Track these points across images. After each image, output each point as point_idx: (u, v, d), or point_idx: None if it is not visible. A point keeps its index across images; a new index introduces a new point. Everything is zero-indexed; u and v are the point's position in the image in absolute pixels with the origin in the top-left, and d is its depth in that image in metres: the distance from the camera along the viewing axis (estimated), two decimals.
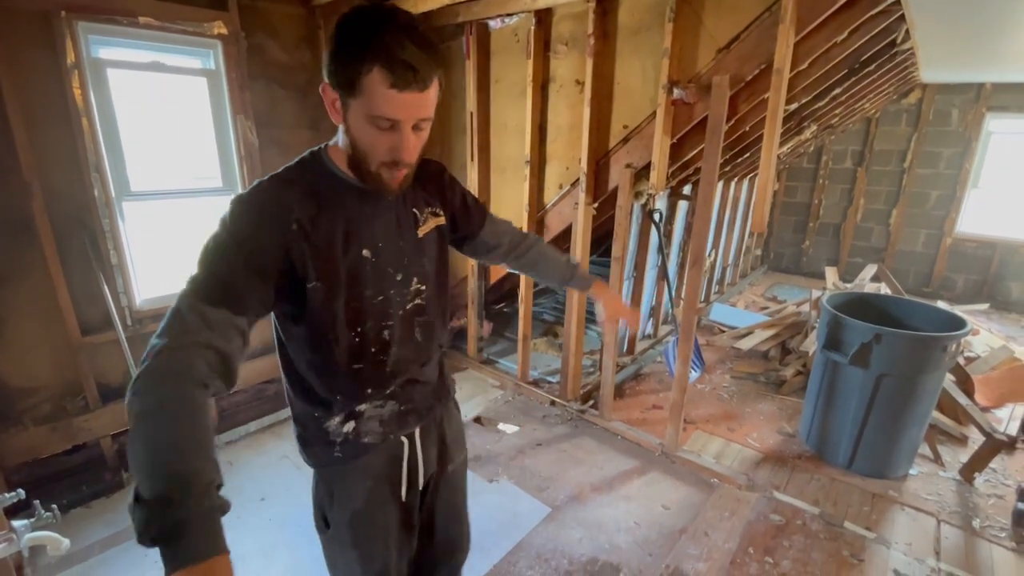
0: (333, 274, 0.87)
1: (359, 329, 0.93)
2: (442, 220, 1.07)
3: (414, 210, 1.01)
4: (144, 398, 0.65)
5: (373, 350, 0.96)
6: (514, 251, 1.27)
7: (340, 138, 0.88)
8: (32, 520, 1.64)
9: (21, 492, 1.72)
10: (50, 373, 2.19)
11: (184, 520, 0.58)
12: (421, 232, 1.01)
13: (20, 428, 2.12)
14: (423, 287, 1.02)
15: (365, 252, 0.91)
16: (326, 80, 0.81)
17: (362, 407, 0.99)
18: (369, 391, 0.99)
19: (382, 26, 0.74)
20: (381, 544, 1.06)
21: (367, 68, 0.74)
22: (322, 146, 0.92)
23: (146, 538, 0.57)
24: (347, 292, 0.90)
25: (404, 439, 1.06)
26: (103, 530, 2.09)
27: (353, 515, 1.02)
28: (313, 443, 1.00)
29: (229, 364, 0.75)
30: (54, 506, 1.73)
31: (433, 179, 1.07)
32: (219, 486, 0.64)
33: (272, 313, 0.91)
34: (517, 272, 1.36)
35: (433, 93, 0.80)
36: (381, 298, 0.95)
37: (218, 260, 0.77)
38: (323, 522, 1.06)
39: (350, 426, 0.99)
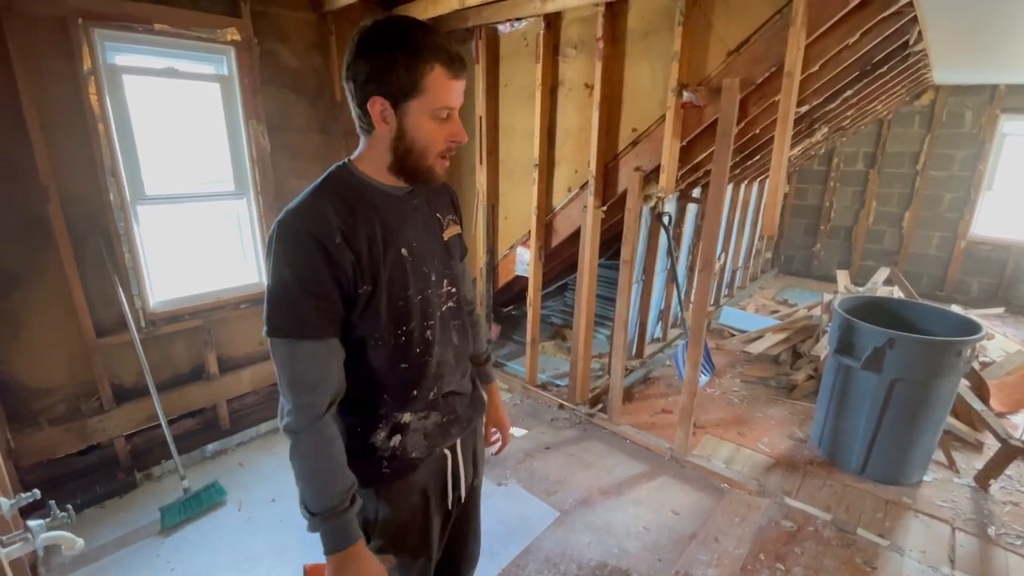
0: (377, 275, 0.90)
1: (404, 328, 0.95)
2: (459, 230, 1.11)
3: (438, 215, 1.05)
4: (297, 438, 0.87)
5: (418, 350, 0.98)
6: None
7: (367, 149, 0.93)
8: (47, 520, 1.66)
9: (36, 492, 1.74)
10: (65, 374, 2.22)
11: (334, 526, 0.87)
12: (446, 235, 1.06)
13: (36, 428, 2.16)
14: (454, 289, 1.05)
15: (403, 251, 0.94)
16: (374, 94, 0.85)
17: (407, 418, 1.00)
18: (415, 393, 0.99)
19: (425, 31, 0.85)
20: (422, 555, 1.07)
21: (429, 67, 0.83)
22: (345, 161, 0.95)
23: (314, 531, 0.88)
24: (392, 291, 0.92)
25: (447, 451, 1.08)
26: (116, 530, 2.12)
27: (398, 528, 1.03)
28: (360, 459, 0.98)
29: (334, 385, 0.89)
30: (69, 506, 1.75)
31: (450, 195, 1.14)
32: (352, 487, 0.90)
33: None
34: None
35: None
36: (421, 297, 0.97)
37: (285, 299, 0.84)
38: (364, 535, 1.06)
39: (396, 440, 0.99)
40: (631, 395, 3.24)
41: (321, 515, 0.86)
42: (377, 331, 0.93)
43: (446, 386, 1.05)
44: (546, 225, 2.94)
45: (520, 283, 3.40)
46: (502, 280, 3.44)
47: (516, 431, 2.83)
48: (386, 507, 1.02)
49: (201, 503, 2.21)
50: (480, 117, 2.97)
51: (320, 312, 0.85)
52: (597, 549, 2.04)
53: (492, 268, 3.41)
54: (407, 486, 1.02)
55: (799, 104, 2.62)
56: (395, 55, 0.82)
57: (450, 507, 1.12)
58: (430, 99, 0.85)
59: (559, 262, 3.72)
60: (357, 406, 0.98)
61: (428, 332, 0.99)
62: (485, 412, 1.22)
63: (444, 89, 0.85)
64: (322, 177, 0.93)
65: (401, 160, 0.91)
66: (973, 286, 5.16)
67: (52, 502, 1.77)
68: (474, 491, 1.23)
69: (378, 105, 0.85)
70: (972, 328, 2.27)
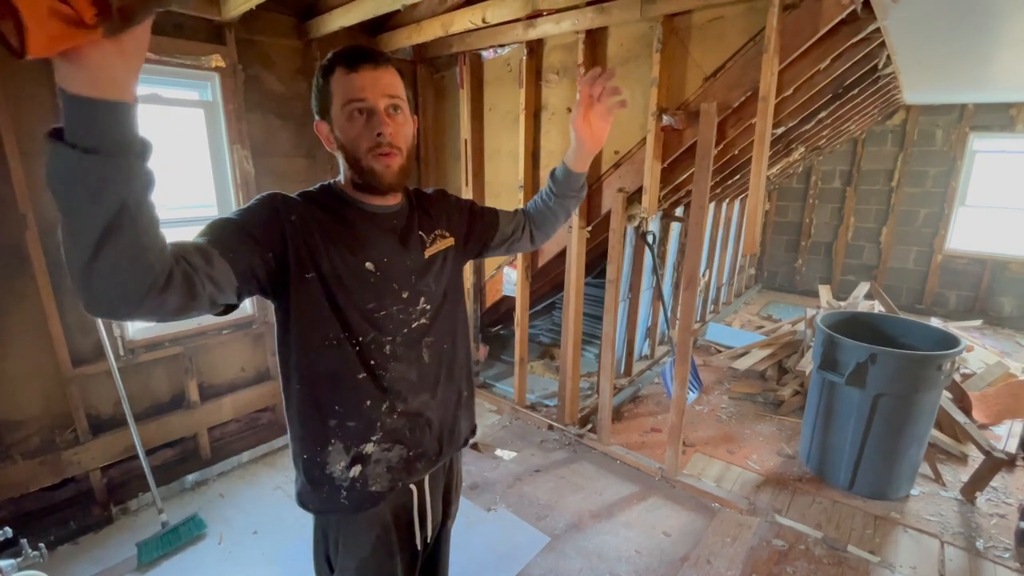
0: (334, 276, 0.90)
1: (360, 339, 0.94)
2: (451, 242, 1.10)
3: (420, 233, 1.04)
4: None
5: (373, 363, 0.96)
6: (532, 224, 1.26)
7: (340, 169, 0.97)
8: (19, 559, 1.59)
9: (8, 530, 1.68)
10: (40, 405, 2.15)
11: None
12: (428, 253, 1.04)
13: (8, 462, 2.08)
14: (429, 307, 1.03)
15: (368, 265, 0.94)
16: (315, 119, 0.94)
17: (368, 448, 0.97)
18: (368, 404, 0.96)
19: (337, 50, 0.90)
20: None
21: (332, 72, 0.89)
22: (332, 180, 0.99)
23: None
24: (348, 299, 0.92)
25: (413, 487, 1.05)
26: (91, 567, 2.03)
27: (360, 562, 1.01)
28: (319, 486, 0.97)
29: (188, 249, 0.73)
30: (41, 545, 1.69)
31: (436, 204, 1.12)
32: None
33: (276, 329, 0.96)
34: (545, 238, 1.30)
35: (390, 75, 0.90)
36: (384, 313, 0.96)
37: (213, 223, 0.83)
38: (327, 566, 1.04)
39: (356, 470, 0.96)
40: (620, 414, 3.23)
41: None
42: (332, 334, 0.92)
43: (400, 403, 0.99)
44: None
45: (508, 303, 3.41)
46: (490, 300, 3.44)
47: (506, 454, 2.80)
48: (346, 540, 1.00)
49: (180, 537, 2.14)
50: (466, 140, 3.00)
51: (238, 238, 0.81)
52: (588, 575, 2.00)
53: (479, 289, 3.41)
54: (366, 520, 1.00)
55: (775, 126, 2.70)
56: (316, 80, 0.92)
57: (418, 546, 1.08)
58: (339, 100, 0.88)
59: (546, 281, 3.73)
60: (306, 413, 0.95)
61: (387, 347, 0.97)
62: (462, 447, 1.17)
63: (346, 85, 0.87)
64: (309, 188, 0.98)
65: (352, 171, 0.93)
66: (951, 299, 5.28)
67: (24, 541, 1.71)
68: (445, 531, 1.20)
69: (322, 128, 0.94)
70: (951, 342, 2.31)
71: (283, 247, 0.86)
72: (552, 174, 1.21)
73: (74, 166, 0.53)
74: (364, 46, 0.91)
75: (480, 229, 1.20)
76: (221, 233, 0.80)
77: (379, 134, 0.88)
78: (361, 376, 0.95)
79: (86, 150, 0.52)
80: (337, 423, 0.95)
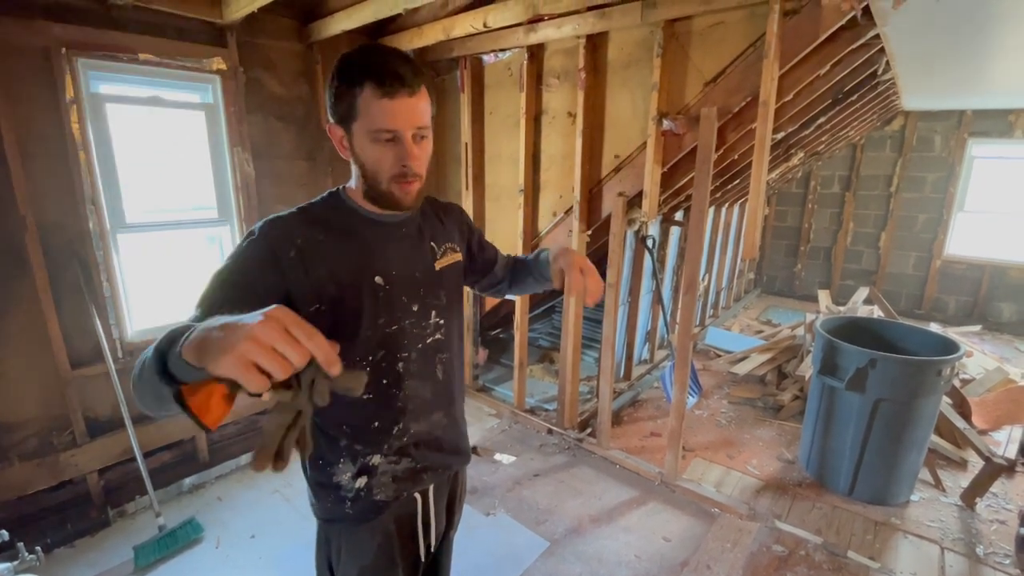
0: (339, 299, 0.88)
1: (371, 358, 0.92)
2: (460, 257, 1.08)
3: (432, 243, 1.02)
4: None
5: (385, 382, 0.94)
6: (510, 277, 1.27)
7: (353, 177, 0.93)
8: (15, 563, 1.59)
9: (4, 533, 1.67)
10: (38, 407, 2.14)
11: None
12: (439, 265, 1.02)
13: (6, 464, 2.07)
14: (442, 321, 1.01)
15: (377, 279, 0.92)
16: (331, 121, 0.87)
17: (375, 460, 0.96)
18: (376, 424, 0.95)
19: (367, 53, 0.83)
20: None
21: (360, 88, 0.81)
22: (341, 187, 0.96)
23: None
24: (356, 319, 0.89)
25: (417, 496, 1.04)
26: (87, 571, 2.02)
27: (361, 570, 1.00)
28: (325, 496, 0.97)
29: None
30: (38, 548, 1.68)
31: (453, 217, 1.10)
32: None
33: None
34: (519, 294, 1.35)
35: (424, 102, 0.85)
36: (396, 328, 0.94)
37: (214, 284, 0.81)
38: (328, 572, 1.04)
39: (362, 481, 0.96)
40: (620, 418, 3.22)
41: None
42: (341, 357, 0.90)
43: (413, 423, 0.99)
44: (532, 249, 2.96)
45: (507, 306, 3.41)
46: (489, 304, 3.43)
47: (505, 458, 2.79)
48: (348, 547, 0.99)
49: (177, 541, 2.13)
50: (466, 144, 3.01)
51: (228, 305, 0.77)
52: None
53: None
54: (370, 528, 0.99)
55: (775, 131, 2.70)
56: (336, 81, 0.84)
57: (421, 556, 1.08)
58: (366, 122, 0.82)
59: None
60: (321, 434, 0.95)
61: (400, 364, 0.95)
62: (467, 460, 1.17)
63: (377, 110, 0.81)
64: (314, 198, 0.95)
65: (366, 185, 0.90)
66: (950, 304, 5.28)
67: (20, 544, 1.70)
68: (447, 540, 1.20)
69: (336, 132, 0.88)
70: (951, 347, 2.31)
71: (284, 289, 0.83)
72: (537, 256, 1.18)
73: (151, 379, 0.64)
74: (398, 60, 0.82)
75: (482, 260, 1.19)
76: (213, 308, 0.76)
77: (404, 165, 0.85)
78: (367, 398, 0.93)
79: (164, 374, 0.62)
80: (347, 443, 0.95)
